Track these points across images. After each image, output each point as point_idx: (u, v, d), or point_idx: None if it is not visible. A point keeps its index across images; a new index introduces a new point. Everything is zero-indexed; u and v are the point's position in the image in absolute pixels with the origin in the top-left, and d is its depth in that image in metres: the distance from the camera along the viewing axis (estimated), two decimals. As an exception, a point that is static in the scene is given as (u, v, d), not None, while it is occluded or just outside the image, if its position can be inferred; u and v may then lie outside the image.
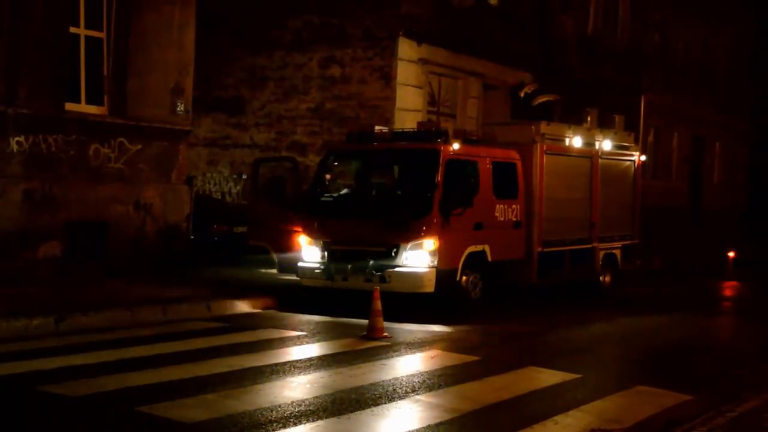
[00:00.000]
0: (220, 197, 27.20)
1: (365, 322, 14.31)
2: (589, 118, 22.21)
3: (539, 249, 18.69)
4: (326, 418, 9.30)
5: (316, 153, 24.59)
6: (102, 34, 18.79)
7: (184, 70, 20.17)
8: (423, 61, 25.47)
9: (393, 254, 16.21)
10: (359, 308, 15.33)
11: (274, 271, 20.20)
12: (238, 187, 27.00)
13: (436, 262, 16.14)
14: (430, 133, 17.37)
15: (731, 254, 27.29)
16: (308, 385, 10.80)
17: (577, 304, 19.55)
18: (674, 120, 41.40)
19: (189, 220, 20.46)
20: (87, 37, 18.55)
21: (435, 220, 16.22)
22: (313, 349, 13.31)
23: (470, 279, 17.02)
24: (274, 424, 8.98)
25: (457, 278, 16.69)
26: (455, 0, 26.29)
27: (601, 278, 20.88)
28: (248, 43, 27.06)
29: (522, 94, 21.22)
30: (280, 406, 9.64)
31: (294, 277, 18.04)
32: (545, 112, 21.25)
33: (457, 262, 16.68)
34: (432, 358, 12.93)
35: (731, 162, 48.02)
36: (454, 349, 13.49)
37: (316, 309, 16.73)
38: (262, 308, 16.98)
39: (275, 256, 19.86)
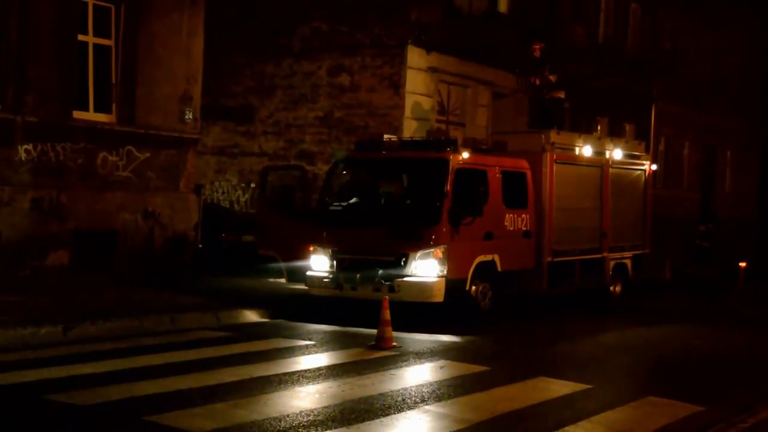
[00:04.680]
0: (228, 206, 27.16)
1: (374, 331, 14.25)
2: (599, 127, 22.18)
3: (549, 259, 18.60)
4: (335, 428, 9.25)
5: (325, 161, 24.52)
6: (110, 42, 18.79)
7: (192, 78, 20.16)
8: (432, 70, 25.42)
9: (402, 263, 16.14)
10: (368, 318, 15.29)
11: (283, 280, 20.15)
12: (247, 196, 26.97)
13: (445, 272, 16.07)
14: (439, 142, 17.32)
15: (743, 264, 27.16)
16: (317, 395, 10.75)
17: (588, 314, 19.47)
18: (685, 129, 41.31)
19: (197, 229, 20.44)
20: (95, 45, 18.55)
21: (444, 230, 16.15)
22: (321, 359, 13.25)
23: (480, 289, 16.94)
24: (283, 435, 8.94)
25: (467, 288, 16.61)
26: (465, 8, 26.23)
27: (611, 288, 20.79)
28: (256, 51, 27.04)
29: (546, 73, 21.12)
30: (288, 416, 9.59)
31: (303, 286, 17.97)
32: (556, 109, 21.16)
33: (467, 271, 16.61)
34: (441, 368, 12.86)
35: (743, 171, 47.87)
36: (464, 359, 13.42)
37: (325, 318, 16.67)
38: (271, 317, 16.93)
39: (284, 265, 19.81)
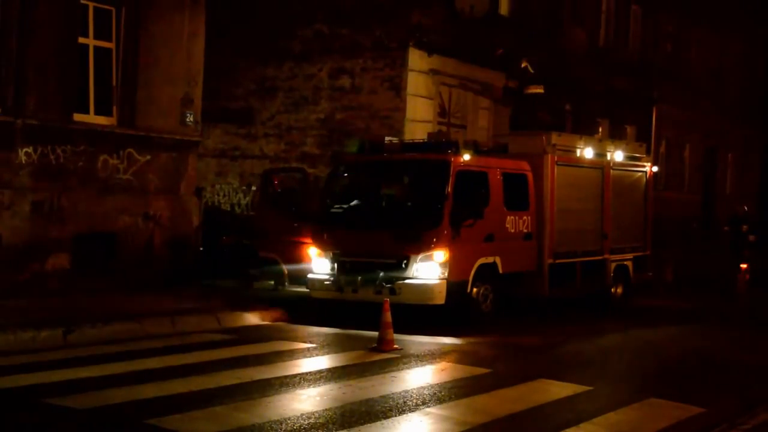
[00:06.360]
0: (229, 209, 27.12)
1: (375, 334, 14.24)
2: (600, 129, 22.10)
3: (550, 261, 18.57)
4: (336, 430, 9.24)
5: (326, 164, 24.50)
6: (111, 45, 18.76)
7: (193, 81, 20.14)
8: (433, 72, 25.42)
9: (403, 266, 16.13)
10: (369, 320, 15.26)
11: (284, 282, 20.13)
12: (248, 199, 26.92)
13: (446, 274, 16.05)
14: (440, 144, 17.34)
15: (744, 266, 27.11)
16: (318, 398, 10.74)
17: (589, 316, 19.45)
18: (686, 131, 41.32)
19: (198, 232, 20.41)
20: (96, 48, 18.52)
21: (445, 232, 16.13)
22: (322, 362, 13.24)
23: (481, 291, 16.92)
24: (283, 437, 8.92)
25: (468, 290, 16.60)
26: (466, 10, 26.22)
27: (612, 290, 20.73)
28: (257, 54, 27.04)
29: (523, 64, 21.04)
30: (289, 419, 9.58)
31: (304, 289, 17.97)
32: (532, 105, 21.09)
33: (468, 273, 16.59)
34: (442, 370, 12.87)
35: (744, 173, 47.87)
36: (465, 362, 13.42)
37: (326, 321, 16.68)
38: (272, 320, 16.93)
39: (285, 268, 19.79)
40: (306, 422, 9.48)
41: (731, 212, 35.09)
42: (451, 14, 25.87)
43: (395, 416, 9.89)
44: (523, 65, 21.02)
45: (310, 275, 17.21)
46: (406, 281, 16.05)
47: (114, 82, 18.84)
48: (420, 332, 15.61)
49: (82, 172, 18.06)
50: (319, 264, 17.08)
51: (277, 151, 26.83)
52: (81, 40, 18.19)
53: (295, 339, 14.98)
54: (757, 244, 31.03)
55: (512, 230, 17.77)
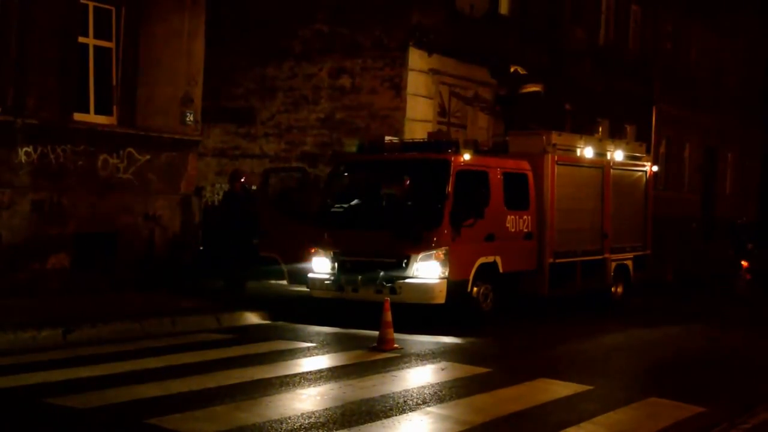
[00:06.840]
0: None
1: (375, 333, 14.24)
2: (600, 129, 22.14)
3: (551, 260, 18.58)
4: (336, 430, 9.24)
5: (327, 163, 24.52)
6: (111, 44, 18.75)
7: (193, 80, 20.13)
8: (433, 72, 25.42)
9: (403, 265, 16.13)
10: (369, 319, 15.27)
11: (284, 282, 20.13)
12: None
13: (447, 274, 16.05)
14: (440, 144, 17.34)
15: (744, 265, 27.11)
16: (318, 397, 10.73)
17: (589, 315, 19.45)
18: (686, 130, 41.30)
19: (198, 231, 20.38)
20: (96, 47, 18.51)
21: (446, 231, 16.14)
22: (323, 361, 13.24)
23: (481, 290, 16.92)
24: (284, 437, 8.91)
25: (468, 289, 16.60)
26: (466, 10, 26.23)
27: (613, 289, 20.75)
28: (257, 53, 27.02)
29: (512, 69, 21.01)
30: (289, 419, 9.58)
31: (304, 289, 17.97)
32: (531, 102, 20.99)
33: (468, 273, 16.59)
34: (443, 369, 12.85)
35: (744, 172, 47.86)
36: (465, 361, 13.40)
37: (326, 320, 16.68)
38: (272, 320, 16.93)
39: (285, 267, 19.78)
40: (306, 422, 9.48)
41: (732, 219, 35.38)
42: (451, 14, 25.87)
43: (396, 415, 9.89)
44: (512, 70, 20.98)
45: (310, 274, 17.21)
46: (407, 280, 16.06)
47: (114, 82, 18.84)
48: (420, 332, 15.62)
49: (82, 171, 18.05)
50: (319, 263, 17.08)
51: (278, 151, 26.82)
52: (81, 39, 18.18)
53: (296, 338, 14.98)
54: (754, 251, 31.18)
55: (512, 230, 17.77)
